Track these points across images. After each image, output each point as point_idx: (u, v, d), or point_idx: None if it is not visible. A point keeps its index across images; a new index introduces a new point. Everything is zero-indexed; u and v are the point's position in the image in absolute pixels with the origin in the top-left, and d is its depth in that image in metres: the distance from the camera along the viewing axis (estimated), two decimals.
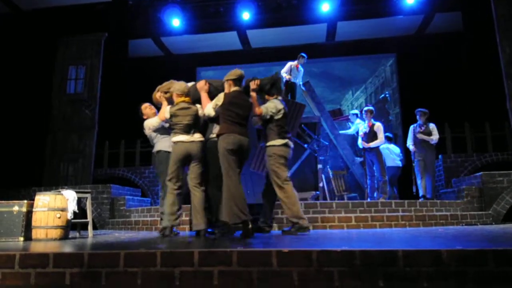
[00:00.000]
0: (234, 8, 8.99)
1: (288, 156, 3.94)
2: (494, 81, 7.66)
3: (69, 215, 4.00)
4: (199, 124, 4.00)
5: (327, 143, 7.10)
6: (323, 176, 6.87)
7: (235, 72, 3.85)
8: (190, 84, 4.21)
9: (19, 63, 8.65)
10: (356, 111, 7.91)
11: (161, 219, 4.24)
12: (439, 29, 9.67)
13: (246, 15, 9.04)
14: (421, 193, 6.41)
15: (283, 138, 3.89)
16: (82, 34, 8.99)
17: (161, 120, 4.21)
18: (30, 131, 8.62)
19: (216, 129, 3.85)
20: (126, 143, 9.37)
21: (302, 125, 6.95)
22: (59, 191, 4.07)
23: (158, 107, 4.49)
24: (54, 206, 3.87)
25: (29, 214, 3.82)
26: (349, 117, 7.82)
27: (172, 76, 10.34)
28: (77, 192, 4.27)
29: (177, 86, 4.05)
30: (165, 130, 4.32)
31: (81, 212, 4.61)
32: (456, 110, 8.74)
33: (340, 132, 7.75)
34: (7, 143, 8.31)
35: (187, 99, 4.00)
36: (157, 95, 4.41)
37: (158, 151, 4.37)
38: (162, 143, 4.35)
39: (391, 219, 5.01)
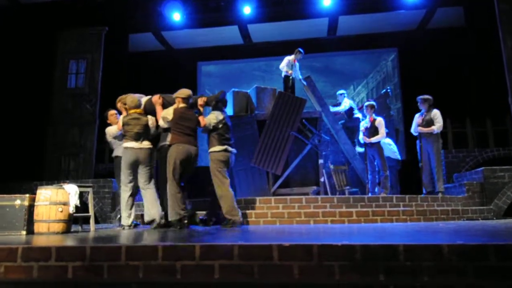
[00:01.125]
0: (235, 2, 8.94)
1: (227, 159, 4.54)
2: (496, 76, 7.63)
3: (71, 209, 4.02)
4: (148, 133, 4.53)
5: (328, 138, 7.08)
6: (324, 171, 6.87)
7: (185, 91, 4.50)
8: (147, 98, 4.75)
9: (19, 57, 8.63)
10: (343, 91, 8.22)
11: (120, 216, 4.77)
12: (441, 24, 9.61)
13: (247, 9, 8.99)
14: (424, 190, 6.22)
15: (223, 144, 4.52)
16: (82, 27, 8.96)
17: (119, 129, 4.69)
18: (31, 125, 8.62)
19: (169, 137, 4.46)
20: None
21: (303, 120, 6.94)
22: (61, 185, 4.08)
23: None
24: (56, 200, 3.88)
25: (31, 208, 3.83)
26: (337, 98, 8.16)
27: (173, 71, 10.29)
28: (78, 187, 4.28)
29: (129, 99, 4.57)
30: (121, 137, 4.73)
31: (83, 206, 4.63)
32: (458, 105, 8.72)
33: (332, 109, 7.81)
34: (8, 137, 8.32)
35: (138, 110, 4.53)
36: (118, 104, 4.90)
37: (116, 156, 4.92)
38: (119, 149, 4.78)
39: (392, 214, 5.01)
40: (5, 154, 8.17)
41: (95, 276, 2.15)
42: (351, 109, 7.91)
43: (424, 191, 6.23)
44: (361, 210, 5.02)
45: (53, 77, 8.92)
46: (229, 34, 10.18)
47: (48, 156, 8.48)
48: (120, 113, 4.97)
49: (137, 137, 4.42)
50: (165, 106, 4.59)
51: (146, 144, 4.47)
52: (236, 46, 10.67)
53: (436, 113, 6.19)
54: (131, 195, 4.50)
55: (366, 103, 6.69)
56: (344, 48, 10.39)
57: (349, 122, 7.76)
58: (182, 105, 4.45)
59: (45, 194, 3.88)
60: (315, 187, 6.67)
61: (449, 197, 5.96)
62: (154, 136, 4.63)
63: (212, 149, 4.53)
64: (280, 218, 5.03)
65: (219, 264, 2.09)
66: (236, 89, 7.93)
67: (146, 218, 4.43)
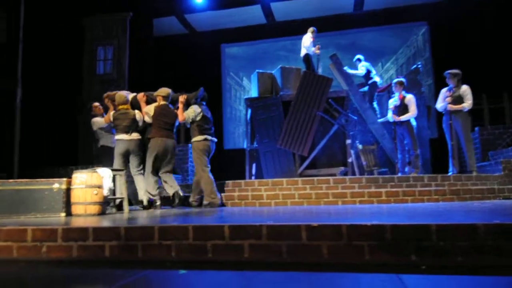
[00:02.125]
0: None
1: (208, 148, 5.11)
2: None
3: (105, 192, 4.18)
4: (136, 125, 5.06)
5: (355, 118, 6.95)
6: (352, 151, 6.78)
7: (165, 90, 5.09)
8: (132, 95, 5.31)
9: (50, 45, 8.89)
10: (359, 56, 8.12)
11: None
12: None
13: None
14: (451, 170, 5.98)
15: (203, 134, 5.08)
16: (108, 14, 9.09)
17: (106, 122, 5.36)
18: (64, 112, 8.94)
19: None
20: None
21: (330, 100, 6.83)
22: (95, 169, 4.25)
23: (106, 108, 5.56)
24: (91, 184, 4.05)
25: (68, 191, 4.02)
26: (354, 62, 8.13)
27: (197, 54, 10.31)
28: (112, 170, 4.43)
29: (118, 96, 5.11)
30: (107, 129, 5.48)
31: (116, 189, 4.83)
32: (494, 80, 8.25)
33: (349, 71, 7.70)
34: (44, 125, 8.69)
35: (126, 106, 5.08)
36: (105, 100, 5.41)
37: (102, 146, 5.57)
38: (105, 140, 5.53)
39: (423, 194, 4.89)
40: (41, 141, 8.56)
41: (131, 255, 2.25)
42: (368, 73, 7.78)
43: (451, 171, 5.99)
44: (391, 191, 4.94)
45: (82, 64, 9.17)
46: (252, 14, 10.03)
47: (81, 141, 8.81)
48: (104, 107, 5.62)
49: (127, 130, 4.98)
50: (148, 102, 5.16)
51: (135, 135, 5.03)
52: (259, 26, 10.52)
53: (466, 89, 5.84)
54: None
55: (395, 80, 6.48)
56: (371, 23, 10.00)
57: (368, 88, 7.66)
58: (162, 102, 5.04)
59: (81, 178, 4.05)
60: (342, 168, 6.62)
61: (484, 176, 5.73)
62: (142, 128, 5.15)
63: (193, 139, 5.11)
64: (307, 199, 5.04)
65: (248, 244, 2.12)
66: (261, 70, 7.89)
67: (139, 198, 5.02)
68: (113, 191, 4.53)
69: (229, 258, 2.13)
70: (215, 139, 5.25)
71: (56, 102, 8.87)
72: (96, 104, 5.79)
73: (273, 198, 5.17)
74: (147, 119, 5.07)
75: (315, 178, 5.44)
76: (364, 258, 1.98)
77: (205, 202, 5.06)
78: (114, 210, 4.86)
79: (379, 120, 7.09)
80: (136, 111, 5.14)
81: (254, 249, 2.11)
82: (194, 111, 5.11)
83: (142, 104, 5.17)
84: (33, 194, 3.87)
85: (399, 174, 6.10)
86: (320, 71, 7.80)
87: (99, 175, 4.19)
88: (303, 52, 7.63)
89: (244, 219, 2.84)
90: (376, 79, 7.85)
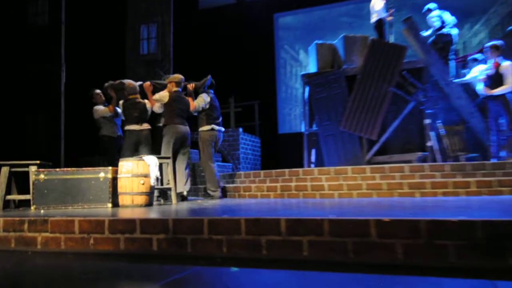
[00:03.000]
0: None
1: (214, 138, 5.58)
2: None
3: (152, 181, 4.40)
4: (147, 115, 5.51)
5: (436, 93, 6.56)
6: (432, 133, 6.44)
7: (177, 76, 5.48)
8: (138, 83, 5.67)
9: (92, 26, 9.41)
10: (430, 5, 7.44)
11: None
12: None
13: None
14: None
15: (210, 124, 5.55)
16: None
17: (111, 112, 5.87)
18: (108, 96, 9.50)
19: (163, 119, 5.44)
20: None
21: (404, 72, 6.53)
22: (141, 157, 4.47)
23: (107, 97, 6.04)
24: (137, 172, 4.27)
25: (114, 180, 4.29)
26: (424, 12, 7.51)
27: (246, 26, 10.30)
28: (158, 158, 4.64)
29: (128, 86, 5.51)
30: (109, 118, 5.92)
31: (164, 179, 5.07)
32: None
33: (424, 34, 7.23)
34: (87, 110, 9.29)
35: (136, 95, 5.49)
36: (109, 90, 5.87)
37: (103, 135, 5.93)
38: (106, 129, 5.94)
39: None
40: (86, 129, 9.17)
41: (179, 249, 2.34)
42: (442, 25, 7.25)
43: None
44: (482, 180, 4.62)
45: (125, 45, 9.63)
46: None
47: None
48: (106, 96, 6.07)
49: (137, 120, 5.39)
50: (155, 91, 5.51)
51: (145, 126, 5.46)
52: None
53: (508, 66, 5.65)
54: None
55: (489, 44, 5.97)
56: None
57: (439, 38, 7.21)
58: (175, 88, 5.36)
59: (127, 166, 4.29)
60: (420, 153, 6.37)
61: None
62: (149, 118, 5.58)
63: (201, 129, 5.59)
64: (377, 190, 4.92)
65: (307, 241, 2.11)
66: (320, 41, 7.70)
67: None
68: (160, 181, 4.76)
69: (286, 256, 2.13)
70: (223, 129, 5.76)
71: (99, 84, 9.44)
72: (98, 91, 6.18)
73: (336, 189, 5.11)
74: (157, 108, 5.43)
75: (387, 166, 5.28)
76: (448, 261, 1.88)
77: (209, 192, 5.53)
78: (162, 200, 5.11)
79: (458, 80, 6.64)
80: (146, 101, 5.53)
81: (315, 247, 2.10)
82: (204, 100, 5.50)
83: (149, 93, 5.52)
84: (80, 183, 4.19)
85: (492, 160, 5.68)
86: (392, 39, 7.44)
87: (146, 163, 4.40)
88: (374, 18, 7.31)
89: (304, 212, 2.83)
90: (453, 31, 7.27)
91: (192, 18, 10.23)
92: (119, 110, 5.85)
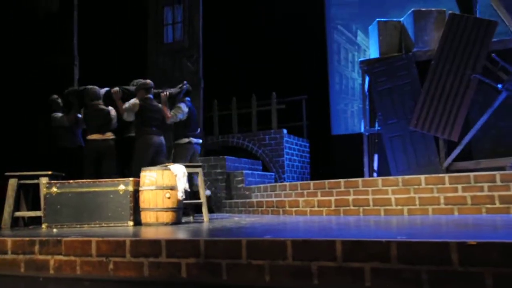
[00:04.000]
0: None
1: (191, 152, 6.06)
2: None
3: (180, 195, 4.51)
4: (110, 124, 5.92)
5: None
6: None
7: (145, 82, 5.86)
8: (104, 89, 6.13)
9: (108, 10, 9.75)
10: None
11: None
12: None
13: None
14: None
15: (187, 137, 6.00)
16: None
17: (69, 121, 6.20)
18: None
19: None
20: (239, 101, 9.88)
21: (493, 55, 6.33)
22: (166, 166, 4.60)
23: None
24: (162, 184, 4.39)
25: (136, 194, 4.44)
26: None
27: (290, 5, 10.37)
28: (186, 167, 4.76)
29: (89, 92, 5.97)
30: (69, 128, 6.21)
31: (193, 192, 5.18)
32: None
33: None
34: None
35: (98, 102, 5.92)
36: (69, 96, 6.28)
37: (60, 146, 6.22)
38: (64, 140, 6.22)
39: None
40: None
41: (212, 277, 2.39)
42: None
43: None
44: None
45: (147, 32, 9.92)
46: None
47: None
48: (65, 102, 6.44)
49: (99, 129, 5.78)
50: (124, 99, 5.83)
51: (109, 135, 5.85)
52: None
53: None
54: None
55: None
56: None
57: None
58: (146, 96, 5.72)
59: (150, 177, 4.42)
60: None
61: None
62: (115, 127, 6.00)
63: (177, 141, 6.04)
64: (459, 205, 4.82)
65: (370, 268, 2.09)
66: (383, 19, 7.60)
67: None
68: (190, 194, 4.87)
69: (342, 287, 2.12)
70: (200, 140, 6.32)
71: (117, 80, 9.77)
72: (55, 96, 6.52)
73: (405, 203, 5.03)
74: (126, 116, 5.72)
75: (471, 174, 5.12)
76: None
77: None
78: (191, 218, 5.22)
79: None
80: (110, 108, 5.94)
81: (379, 275, 2.07)
82: (182, 110, 5.94)
83: (117, 100, 5.84)
84: (97, 197, 4.37)
85: None
86: (477, 13, 7.22)
87: (172, 173, 4.52)
88: None
89: (365, 233, 2.81)
90: None
91: None
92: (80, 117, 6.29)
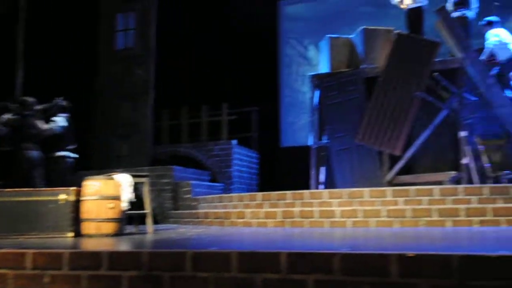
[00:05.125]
0: None
1: (67, 165, 6.15)
2: None
3: (124, 205, 4.39)
4: None
5: (474, 99, 6.61)
6: (468, 148, 6.47)
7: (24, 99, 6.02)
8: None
9: (60, 17, 9.45)
10: (491, 18, 7.30)
11: None
12: None
13: None
14: None
15: (64, 150, 6.13)
16: None
17: None
18: (75, 100, 9.50)
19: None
20: (190, 111, 9.79)
21: (435, 74, 6.58)
22: (111, 175, 4.48)
23: None
24: (106, 194, 4.27)
25: (77, 203, 4.28)
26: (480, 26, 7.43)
27: (246, 16, 10.31)
28: (132, 176, 4.65)
29: None
30: None
31: (138, 201, 5.04)
32: None
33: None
34: None
35: None
36: None
37: None
38: None
39: None
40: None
41: None
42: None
43: None
44: None
45: (98, 38, 9.66)
46: None
47: (95, 137, 9.31)
48: None
49: None
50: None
51: None
52: None
53: None
54: None
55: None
56: None
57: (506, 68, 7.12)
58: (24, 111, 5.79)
59: (93, 186, 4.29)
60: (453, 173, 6.40)
61: None
62: None
63: (52, 155, 6.06)
64: (400, 218, 4.94)
65: (313, 280, 2.11)
66: (334, 35, 7.76)
67: None
68: (135, 204, 4.75)
69: None
70: (77, 155, 6.38)
71: (66, 86, 9.46)
72: None
73: (349, 215, 5.11)
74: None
75: (412, 188, 5.30)
76: None
77: None
78: (135, 229, 5.09)
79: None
80: None
81: (322, 287, 2.09)
82: (58, 123, 6.06)
83: None
84: (35, 207, 4.18)
85: None
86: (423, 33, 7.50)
87: (117, 183, 4.40)
88: (406, 2, 7.37)
89: (309, 245, 2.83)
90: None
91: (179, 5, 10.29)
92: None
